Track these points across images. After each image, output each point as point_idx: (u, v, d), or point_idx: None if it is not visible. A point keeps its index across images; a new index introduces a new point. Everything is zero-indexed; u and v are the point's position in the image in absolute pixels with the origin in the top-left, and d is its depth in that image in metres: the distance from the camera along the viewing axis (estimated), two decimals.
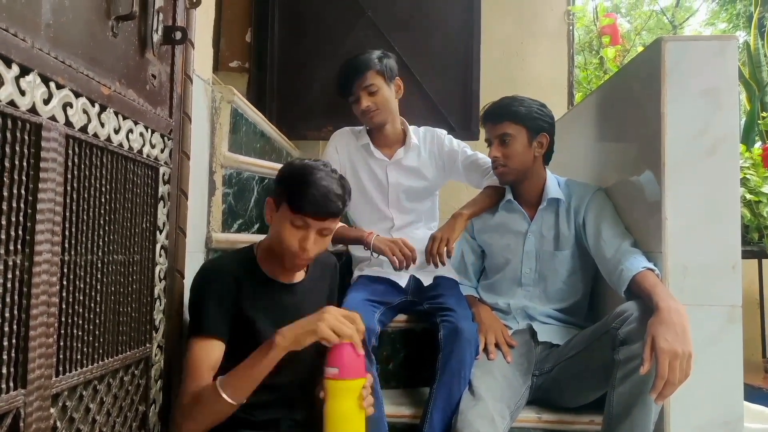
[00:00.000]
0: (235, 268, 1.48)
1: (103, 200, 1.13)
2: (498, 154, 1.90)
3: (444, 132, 2.23)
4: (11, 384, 0.89)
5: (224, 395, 1.29)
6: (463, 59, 3.31)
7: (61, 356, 1.01)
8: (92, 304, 1.10)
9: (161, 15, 1.36)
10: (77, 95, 1.03)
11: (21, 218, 0.90)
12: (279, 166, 2.40)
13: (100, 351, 1.14)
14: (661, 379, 1.35)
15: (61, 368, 1.01)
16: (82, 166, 1.06)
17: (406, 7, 3.35)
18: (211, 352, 1.39)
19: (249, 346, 1.39)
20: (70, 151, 1.02)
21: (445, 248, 1.90)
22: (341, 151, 2.16)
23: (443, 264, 1.92)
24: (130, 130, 1.23)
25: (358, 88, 2.02)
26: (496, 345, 1.81)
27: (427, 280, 2.02)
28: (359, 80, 2.01)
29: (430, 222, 2.25)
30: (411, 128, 2.17)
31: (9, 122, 0.87)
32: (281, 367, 1.48)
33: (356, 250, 2.18)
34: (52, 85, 0.96)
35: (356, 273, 2.10)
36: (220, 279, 1.45)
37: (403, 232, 2.14)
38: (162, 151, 1.38)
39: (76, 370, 1.06)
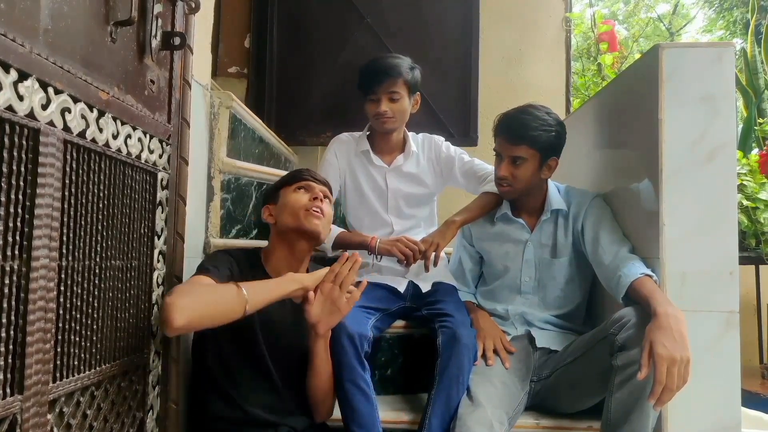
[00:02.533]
0: (243, 260, 1.57)
1: (101, 205, 1.13)
2: (507, 174, 1.86)
3: (442, 139, 2.24)
4: (8, 390, 0.89)
5: (243, 290, 1.31)
6: (461, 66, 3.31)
7: (58, 362, 1.01)
8: (90, 310, 1.10)
9: (160, 20, 1.36)
10: (75, 100, 1.03)
11: (18, 223, 0.90)
12: (278, 171, 2.41)
13: (98, 357, 1.13)
14: (660, 385, 1.35)
15: (58, 374, 1.01)
16: (80, 172, 1.06)
17: (406, 13, 3.35)
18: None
19: (245, 335, 1.47)
20: (68, 157, 1.02)
21: (434, 254, 1.92)
22: (341, 157, 2.16)
23: (433, 266, 1.93)
24: (129, 136, 1.23)
25: (382, 91, 2.01)
26: (495, 351, 1.81)
27: (425, 286, 2.02)
28: (386, 83, 2.00)
29: (430, 227, 2.24)
30: (410, 135, 2.17)
31: (7, 127, 0.87)
32: (274, 373, 1.50)
33: None
34: (51, 90, 0.96)
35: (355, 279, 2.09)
36: (230, 256, 1.55)
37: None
38: (160, 156, 1.38)
39: (73, 376, 1.05)
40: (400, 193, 2.14)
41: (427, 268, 1.93)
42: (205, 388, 1.52)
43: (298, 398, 1.57)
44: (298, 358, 1.56)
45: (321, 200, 1.60)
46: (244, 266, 1.55)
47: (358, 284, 1.52)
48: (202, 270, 1.45)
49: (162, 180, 1.39)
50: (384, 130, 2.07)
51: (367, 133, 2.17)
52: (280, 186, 1.66)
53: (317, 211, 1.58)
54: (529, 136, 1.82)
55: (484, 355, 1.79)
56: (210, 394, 1.51)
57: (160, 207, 1.38)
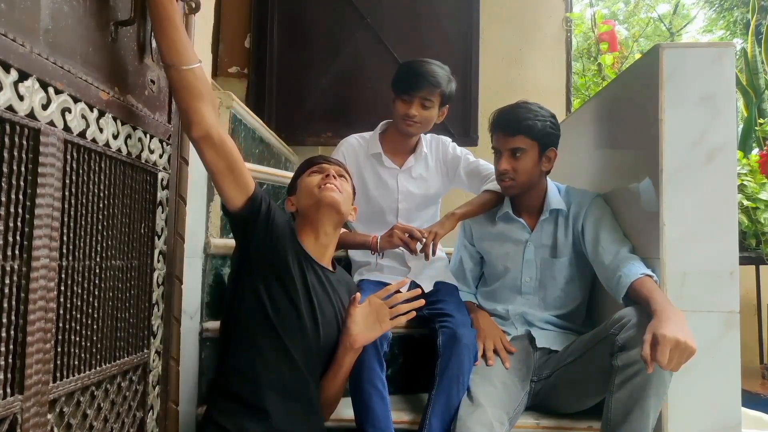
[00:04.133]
0: (291, 231, 1.59)
1: (101, 205, 1.13)
2: (508, 168, 1.86)
3: (449, 139, 2.24)
4: (8, 390, 0.89)
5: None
6: (462, 66, 3.31)
7: (58, 362, 1.01)
8: (90, 310, 1.10)
9: None
10: (76, 100, 1.03)
11: (19, 223, 0.90)
12: (278, 171, 2.41)
13: (98, 357, 1.13)
14: (658, 364, 1.34)
15: (58, 374, 1.01)
16: (81, 172, 1.06)
17: (406, 14, 3.35)
18: (248, 173, 1.46)
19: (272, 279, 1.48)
20: (69, 157, 1.02)
21: (432, 242, 1.90)
22: (349, 159, 2.13)
23: (432, 254, 1.91)
24: (129, 136, 1.23)
25: (418, 95, 1.99)
26: (495, 351, 1.81)
27: (427, 287, 2.01)
28: (425, 90, 1.99)
29: (430, 225, 2.25)
30: (421, 137, 2.17)
31: (7, 127, 0.87)
32: (304, 364, 1.49)
33: (356, 255, 2.17)
34: (51, 90, 0.96)
35: (356, 278, 2.09)
36: (288, 220, 1.58)
37: None
38: (161, 156, 1.38)
39: (73, 375, 1.05)
40: (410, 195, 2.14)
41: (427, 256, 1.91)
42: (231, 341, 1.50)
43: (310, 383, 1.54)
44: (325, 351, 1.57)
45: (334, 177, 1.63)
46: (290, 233, 1.57)
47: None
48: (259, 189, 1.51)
49: (162, 180, 1.39)
50: (407, 132, 2.07)
51: (380, 131, 2.16)
52: (297, 177, 1.71)
53: (330, 185, 1.60)
54: (525, 126, 1.83)
55: (484, 355, 1.79)
56: (234, 346, 1.48)
57: (160, 207, 1.38)
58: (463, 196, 2.24)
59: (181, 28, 1.25)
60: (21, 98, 0.89)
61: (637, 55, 5.62)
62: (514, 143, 1.85)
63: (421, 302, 1.62)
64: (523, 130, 1.83)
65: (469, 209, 2.04)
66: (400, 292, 1.66)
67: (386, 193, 2.14)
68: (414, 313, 1.63)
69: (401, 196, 2.13)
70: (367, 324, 1.55)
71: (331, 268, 1.65)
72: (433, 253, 1.92)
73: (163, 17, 1.22)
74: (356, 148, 2.16)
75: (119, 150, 1.18)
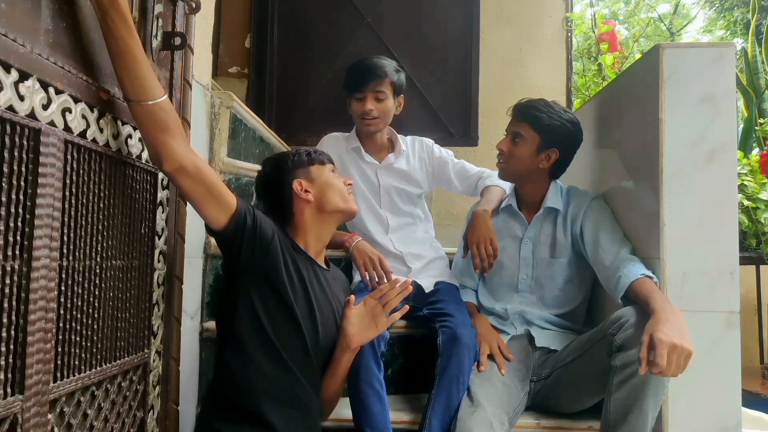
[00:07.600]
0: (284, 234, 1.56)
1: (101, 205, 1.13)
2: (504, 149, 1.91)
3: (431, 141, 2.30)
4: (9, 390, 0.89)
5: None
6: (462, 66, 3.31)
7: (59, 362, 1.01)
8: (90, 310, 1.10)
9: (160, 21, 1.36)
10: (76, 100, 1.03)
11: (19, 223, 0.90)
12: None
13: (98, 357, 1.13)
14: (657, 368, 1.33)
15: (59, 374, 1.01)
16: (81, 172, 1.06)
17: (406, 14, 3.35)
18: (227, 190, 1.37)
19: (284, 310, 1.44)
20: (69, 157, 1.02)
21: (491, 247, 1.89)
22: (333, 154, 2.15)
23: (491, 266, 1.90)
24: (129, 135, 1.23)
25: (368, 90, 2.04)
26: (491, 356, 1.80)
27: (428, 287, 2.02)
28: (373, 83, 2.04)
29: (426, 224, 2.26)
30: (398, 136, 2.20)
31: (8, 127, 0.87)
32: (305, 372, 1.48)
33: None
34: (51, 90, 0.96)
35: (357, 278, 2.10)
36: (275, 226, 1.51)
37: (400, 233, 2.15)
38: None
39: (74, 375, 1.05)
40: (393, 188, 2.17)
41: (488, 267, 1.89)
42: (225, 350, 1.45)
43: (311, 392, 1.53)
44: (324, 351, 1.56)
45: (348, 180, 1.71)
46: (281, 237, 1.51)
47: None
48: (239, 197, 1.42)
49: (162, 180, 1.39)
50: (368, 131, 2.11)
51: (355, 130, 2.20)
52: (310, 162, 1.64)
53: (354, 195, 1.69)
54: (533, 115, 1.87)
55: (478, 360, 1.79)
56: (229, 356, 1.44)
57: (160, 207, 1.38)
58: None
59: (143, 60, 1.15)
60: (21, 98, 0.89)
61: (638, 55, 5.62)
62: (517, 128, 1.89)
63: (410, 289, 1.59)
64: (530, 118, 1.87)
65: (493, 206, 2.05)
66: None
67: (370, 187, 2.18)
68: (408, 307, 1.63)
69: (383, 189, 2.17)
70: (363, 324, 1.55)
71: (325, 266, 1.66)
72: (495, 255, 1.90)
73: (123, 51, 1.12)
74: (338, 143, 2.22)
75: (119, 150, 1.19)
